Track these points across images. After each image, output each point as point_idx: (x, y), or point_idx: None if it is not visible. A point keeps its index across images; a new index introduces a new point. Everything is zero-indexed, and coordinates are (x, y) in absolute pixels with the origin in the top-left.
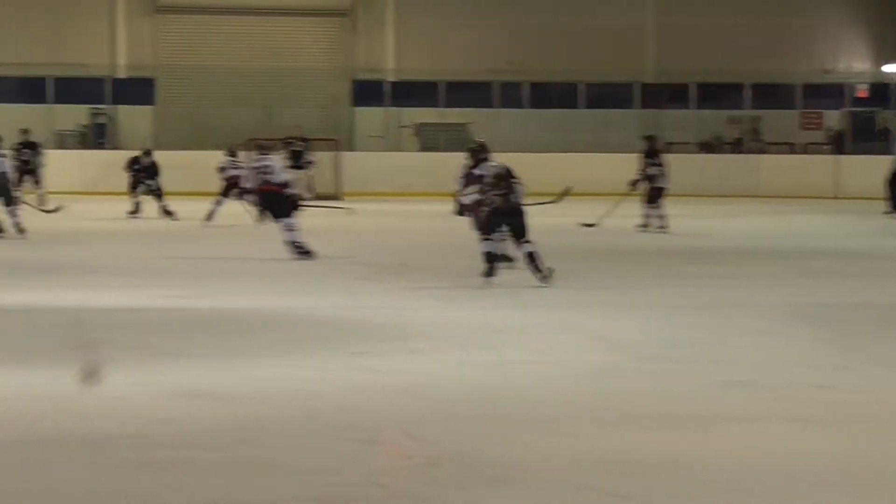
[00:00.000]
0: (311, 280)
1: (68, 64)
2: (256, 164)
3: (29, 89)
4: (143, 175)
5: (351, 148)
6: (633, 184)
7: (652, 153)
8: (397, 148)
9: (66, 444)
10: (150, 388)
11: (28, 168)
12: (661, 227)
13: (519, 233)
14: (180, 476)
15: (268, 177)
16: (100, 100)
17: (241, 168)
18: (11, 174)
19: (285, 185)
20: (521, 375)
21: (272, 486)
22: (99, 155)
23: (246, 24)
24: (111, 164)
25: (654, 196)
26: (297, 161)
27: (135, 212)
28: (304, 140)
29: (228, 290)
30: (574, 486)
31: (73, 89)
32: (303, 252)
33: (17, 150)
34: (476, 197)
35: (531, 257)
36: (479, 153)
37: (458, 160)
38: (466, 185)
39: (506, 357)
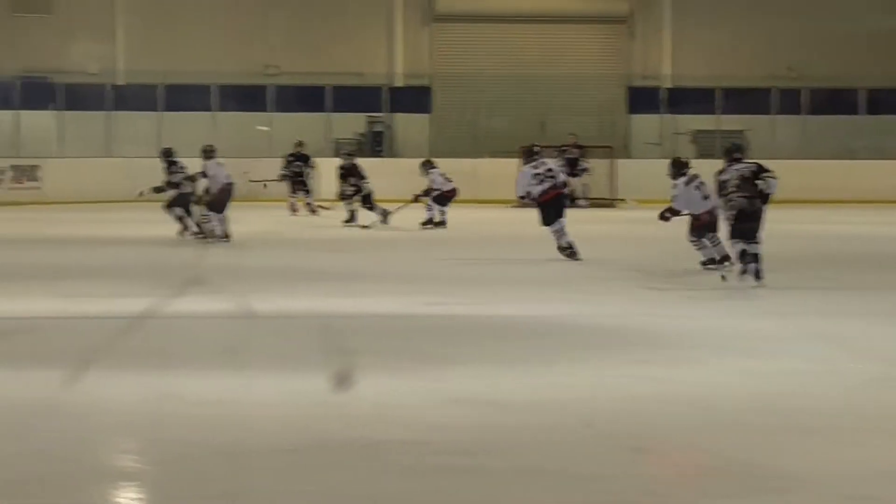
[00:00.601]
0: (586, 286)
1: (346, 73)
2: (538, 170)
3: (308, 98)
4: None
5: (626, 155)
6: None
7: None
8: (673, 155)
9: (342, 450)
10: (425, 395)
11: (299, 179)
12: None
13: (754, 232)
14: (459, 482)
15: (553, 181)
16: (377, 108)
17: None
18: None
19: (564, 185)
20: (795, 384)
21: (546, 492)
22: (376, 163)
23: (521, 31)
24: (390, 172)
25: None
26: (572, 168)
27: (350, 220)
28: (579, 147)
29: (495, 297)
30: (856, 497)
31: (350, 98)
32: (571, 254)
33: (288, 161)
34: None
35: (756, 258)
36: (679, 167)
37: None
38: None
39: (780, 366)
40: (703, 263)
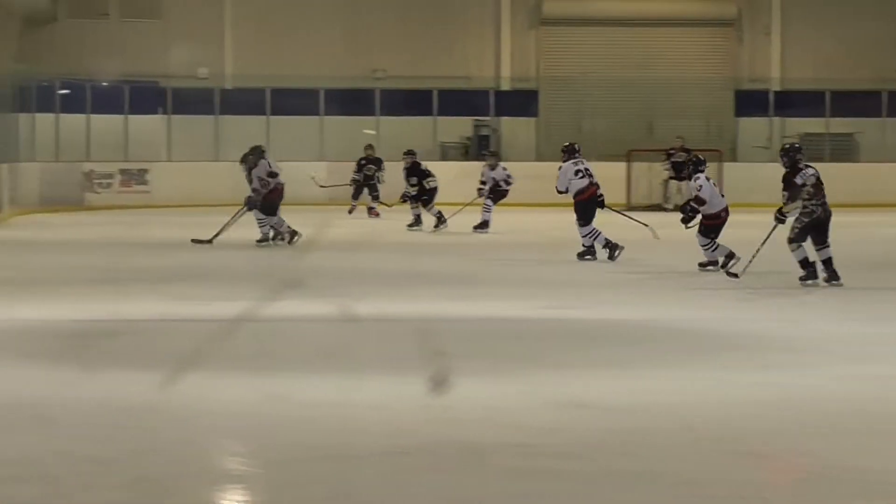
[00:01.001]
0: (689, 290)
1: (453, 77)
2: (579, 167)
3: (415, 102)
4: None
5: (734, 159)
6: None
7: None
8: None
9: (449, 453)
10: (532, 398)
11: (370, 182)
12: None
13: (825, 237)
14: (561, 486)
15: (591, 179)
16: (483, 112)
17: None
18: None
19: (598, 185)
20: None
21: (650, 496)
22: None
23: (628, 34)
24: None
25: None
26: (679, 172)
27: (413, 224)
28: (686, 151)
29: (603, 301)
30: None
31: (457, 102)
32: (612, 249)
33: (360, 165)
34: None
35: (829, 262)
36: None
37: (841, 171)
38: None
39: (880, 370)
40: (703, 265)
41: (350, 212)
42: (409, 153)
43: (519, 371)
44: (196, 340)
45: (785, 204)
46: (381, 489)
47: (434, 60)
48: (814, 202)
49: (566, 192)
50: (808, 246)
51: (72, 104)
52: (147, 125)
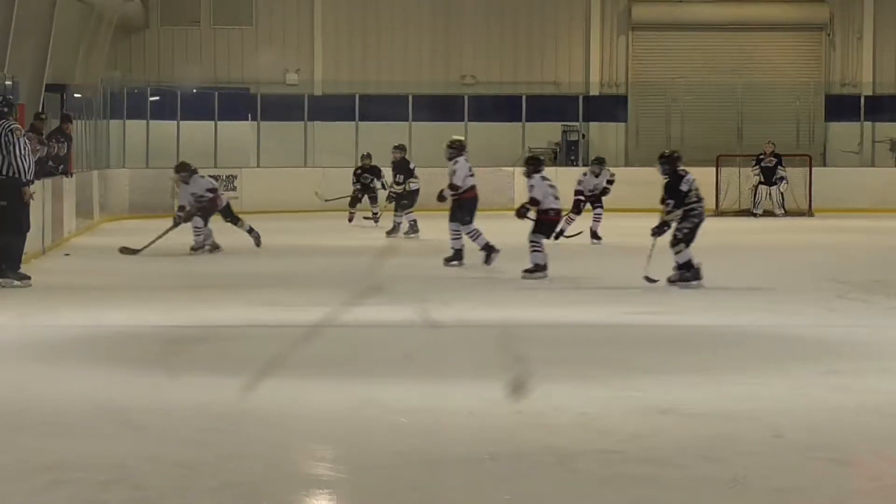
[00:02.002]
0: (782, 295)
1: (542, 83)
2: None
3: (503, 108)
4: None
5: (823, 164)
6: None
7: None
8: (871, 163)
9: (538, 459)
10: (622, 404)
11: (371, 193)
12: None
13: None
14: (646, 493)
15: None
16: (572, 117)
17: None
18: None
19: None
20: None
21: None
22: (571, 172)
23: (717, 38)
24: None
25: None
26: (769, 177)
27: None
28: (777, 156)
29: (689, 306)
30: None
31: (545, 107)
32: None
33: (357, 174)
34: None
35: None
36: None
37: None
38: None
39: None
40: (529, 271)
41: (350, 220)
42: (399, 148)
43: (605, 377)
44: (282, 346)
45: (668, 213)
46: (470, 495)
47: (523, 66)
48: (700, 204)
49: (460, 189)
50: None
51: (162, 111)
52: (236, 131)
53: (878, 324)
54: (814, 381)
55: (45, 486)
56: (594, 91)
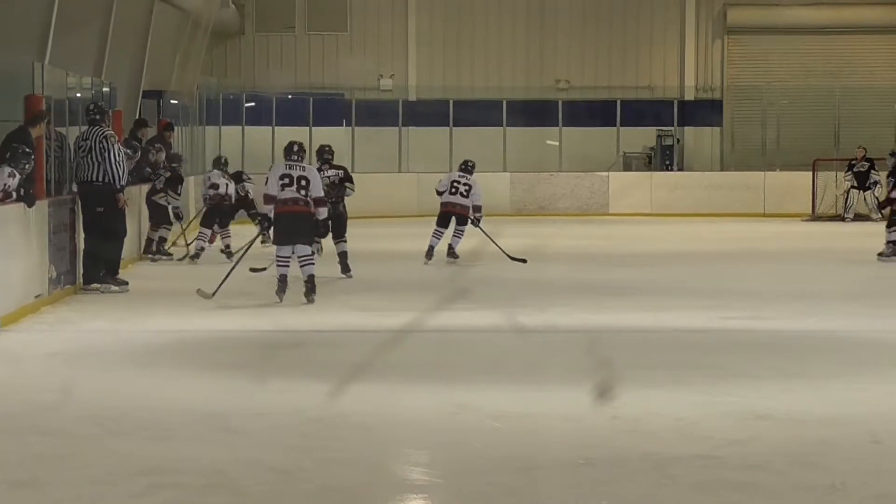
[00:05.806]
0: (883, 300)
1: (637, 87)
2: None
3: (598, 112)
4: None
5: None
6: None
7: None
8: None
9: (635, 465)
10: (719, 410)
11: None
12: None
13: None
14: (744, 499)
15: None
16: (667, 122)
17: None
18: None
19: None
20: None
21: None
22: (665, 177)
23: (814, 42)
24: (679, 185)
25: None
26: (863, 182)
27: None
28: (869, 161)
29: (785, 311)
30: None
31: (640, 112)
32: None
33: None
34: None
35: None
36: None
37: None
38: None
39: None
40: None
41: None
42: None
43: (701, 382)
44: (376, 350)
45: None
46: (566, 501)
47: (617, 70)
48: None
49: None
50: None
51: (257, 116)
52: (331, 136)
53: None
54: None
55: (143, 490)
56: (689, 95)
